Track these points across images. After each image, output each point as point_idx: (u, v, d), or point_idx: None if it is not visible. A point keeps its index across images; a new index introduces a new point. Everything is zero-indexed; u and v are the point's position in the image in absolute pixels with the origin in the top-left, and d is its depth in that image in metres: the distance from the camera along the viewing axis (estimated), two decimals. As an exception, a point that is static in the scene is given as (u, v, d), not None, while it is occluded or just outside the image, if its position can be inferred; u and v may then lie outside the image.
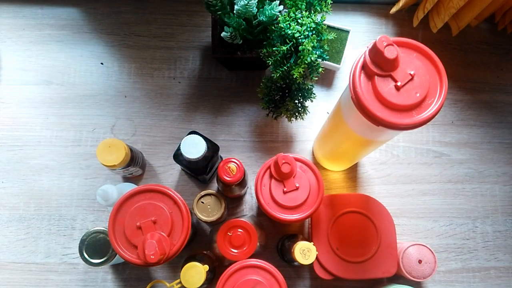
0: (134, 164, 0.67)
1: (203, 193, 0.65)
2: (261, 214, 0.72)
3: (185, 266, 0.56)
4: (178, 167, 0.73)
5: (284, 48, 0.57)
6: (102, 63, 0.77)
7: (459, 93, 0.78)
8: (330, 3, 0.58)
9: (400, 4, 0.75)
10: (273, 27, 0.60)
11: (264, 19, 0.61)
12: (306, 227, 0.72)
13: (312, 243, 0.58)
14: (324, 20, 0.58)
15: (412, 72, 0.42)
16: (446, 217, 0.74)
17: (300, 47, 0.56)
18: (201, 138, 0.60)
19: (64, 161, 0.73)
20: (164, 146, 0.74)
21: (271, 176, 0.58)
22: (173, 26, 0.79)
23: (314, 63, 0.57)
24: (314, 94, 0.66)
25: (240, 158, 0.70)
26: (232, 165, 0.59)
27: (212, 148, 0.63)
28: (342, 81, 0.78)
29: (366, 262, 0.64)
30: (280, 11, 0.60)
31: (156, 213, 0.53)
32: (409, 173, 0.75)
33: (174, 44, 0.78)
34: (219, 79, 0.77)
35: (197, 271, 0.56)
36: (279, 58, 0.59)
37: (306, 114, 0.68)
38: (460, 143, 0.76)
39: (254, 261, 0.55)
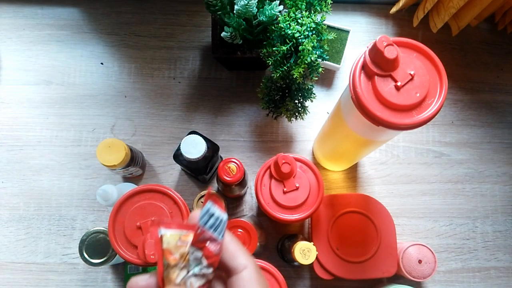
0: (134, 164, 0.67)
1: (203, 193, 0.65)
2: (261, 214, 0.72)
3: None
4: (178, 167, 0.73)
5: (284, 48, 0.57)
6: (102, 63, 0.77)
7: (459, 93, 0.78)
8: (330, 3, 0.58)
9: (400, 4, 0.75)
10: (273, 27, 0.60)
11: (264, 19, 0.61)
12: (306, 227, 0.72)
13: (312, 243, 0.58)
14: (324, 20, 0.58)
15: (412, 72, 0.42)
16: (446, 217, 0.74)
17: (300, 47, 0.56)
18: (201, 138, 0.60)
19: (64, 161, 0.73)
20: (164, 146, 0.74)
21: (271, 176, 0.58)
22: (173, 26, 0.79)
23: (314, 63, 0.57)
24: (314, 94, 0.66)
25: (240, 158, 0.70)
26: (232, 165, 0.59)
27: (212, 148, 0.63)
28: (342, 81, 0.78)
29: (366, 262, 0.64)
30: (280, 11, 0.60)
31: (156, 213, 0.53)
32: (409, 173, 0.75)
33: (174, 44, 0.78)
34: (219, 79, 0.77)
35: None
36: (279, 58, 0.59)
37: (306, 114, 0.68)
38: (460, 143, 0.76)
39: (254, 261, 0.55)
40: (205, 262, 0.27)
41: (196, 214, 0.28)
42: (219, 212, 0.27)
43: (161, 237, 0.27)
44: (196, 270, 0.27)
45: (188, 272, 0.27)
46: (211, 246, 0.27)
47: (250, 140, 0.75)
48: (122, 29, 0.79)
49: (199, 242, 0.27)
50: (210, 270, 0.27)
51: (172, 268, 0.27)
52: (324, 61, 0.71)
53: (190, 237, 0.27)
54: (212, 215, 0.27)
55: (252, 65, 0.75)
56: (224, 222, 0.27)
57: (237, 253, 0.28)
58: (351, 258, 0.64)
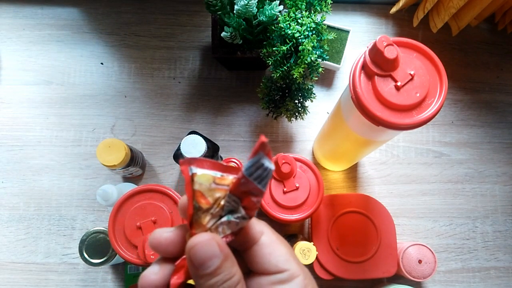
0: (134, 164, 0.67)
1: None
2: (261, 214, 0.72)
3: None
4: (178, 167, 0.73)
5: (284, 48, 0.57)
6: (102, 63, 0.77)
7: (459, 93, 0.78)
8: (330, 3, 0.58)
9: (400, 4, 0.75)
10: (273, 27, 0.60)
11: (264, 19, 0.61)
12: (306, 227, 0.72)
13: (312, 243, 0.58)
14: (324, 20, 0.58)
15: (412, 72, 0.42)
16: (446, 217, 0.74)
17: (300, 47, 0.56)
18: (201, 138, 0.60)
19: (64, 161, 0.73)
20: (164, 146, 0.74)
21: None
22: (173, 26, 0.79)
23: (314, 63, 0.57)
24: (314, 94, 0.66)
25: (240, 158, 0.70)
26: (232, 165, 0.59)
27: (212, 148, 0.63)
28: (342, 81, 0.78)
29: (366, 262, 0.64)
30: (280, 11, 0.60)
31: (156, 213, 0.53)
32: (409, 173, 0.75)
33: (174, 44, 0.78)
34: (219, 79, 0.77)
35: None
36: (279, 58, 0.59)
37: (306, 114, 0.68)
38: (460, 143, 0.76)
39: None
40: (242, 212, 0.25)
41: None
42: (268, 163, 0.24)
43: (192, 176, 0.24)
44: (230, 217, 0.24)
45: (220, 217, 0.24)
46: (253, 198, 0.24)
47: (250, 140, 0.75)
48: (122, 29, 0.79)
49: (240, 192, 0.24)
50: (246, 221, 0.25)
51: (203, 212, 0.24)
52: (324, 61, 0.71)
53: (226, 180, 0.25)
54: (260, 166, 0.24)
55: (252, 65, 0.75)
56: (271, 173, 0.24)
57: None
58: (351, 258, 0.64)
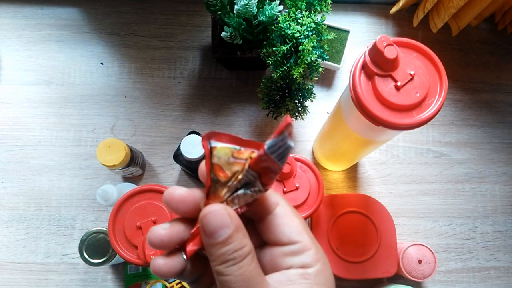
0: (134, 164, 0.67)
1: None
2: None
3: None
4: (178, 167, 0.73)
5: (284, 48, 0.57)
6: (102, 63, 0.77)
7: (459, 93, 0.78)
8: (330, 3, 0.58)
9: (400, 4, 0.75)
10: (273, 27, 0.60)
11: (264, 19, 0.61)
12: (306, 227, 0.72)
13: (312, 243, 0.58)
14: (324, 20, 0.58)
15: (412, 72, 0.42)
16: (446, 217, 0.74)
17: (300, 47, 0.56)
18: (201, 138, 0.60)
19: (64, 161, 0.73)
20: (164, 146, 0.74)
21: None
22: (173, 26, 0.79)
23: (314, 63, 0.57)
24: (314, 94, 0.66)
25: (240, 158, 0.70)
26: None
27: (212, 148, 0.63)
28: (342, 81, 0.78)
29: (366, 262, 0.64)
30: (280, 11, 0.60)
31: (156, 213, 0.53)
32: (409, 173, 0.75)
33: (174, 44, 0.78)
34: (219, 79, 0.77)
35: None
36: (279, 58, 0.59)
37: (306, 114, 0.68)
38: (460, 143, 0.76)
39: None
40: (259, 185, 0.25)
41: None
42: (290, 142, 0.24)
43: (211, 149, 0.25)
44: (247, 191, 0.25)
45: (236, 190, 0.25)
46: (271, 174, 0.25)
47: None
48: (122, 29, 0.79)
49: (259, 168, 0.24)
50: (262, 193, 0.26)
51: (221, 185, 0.25)
52: (324, 61, 0.71)
53: (243, 154, 0.25)
54: (282, 145, 0.24)
55: (252, 65, 0.75)
56: (290, 151, 0.24)
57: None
58: (351, 258, 0.64)
